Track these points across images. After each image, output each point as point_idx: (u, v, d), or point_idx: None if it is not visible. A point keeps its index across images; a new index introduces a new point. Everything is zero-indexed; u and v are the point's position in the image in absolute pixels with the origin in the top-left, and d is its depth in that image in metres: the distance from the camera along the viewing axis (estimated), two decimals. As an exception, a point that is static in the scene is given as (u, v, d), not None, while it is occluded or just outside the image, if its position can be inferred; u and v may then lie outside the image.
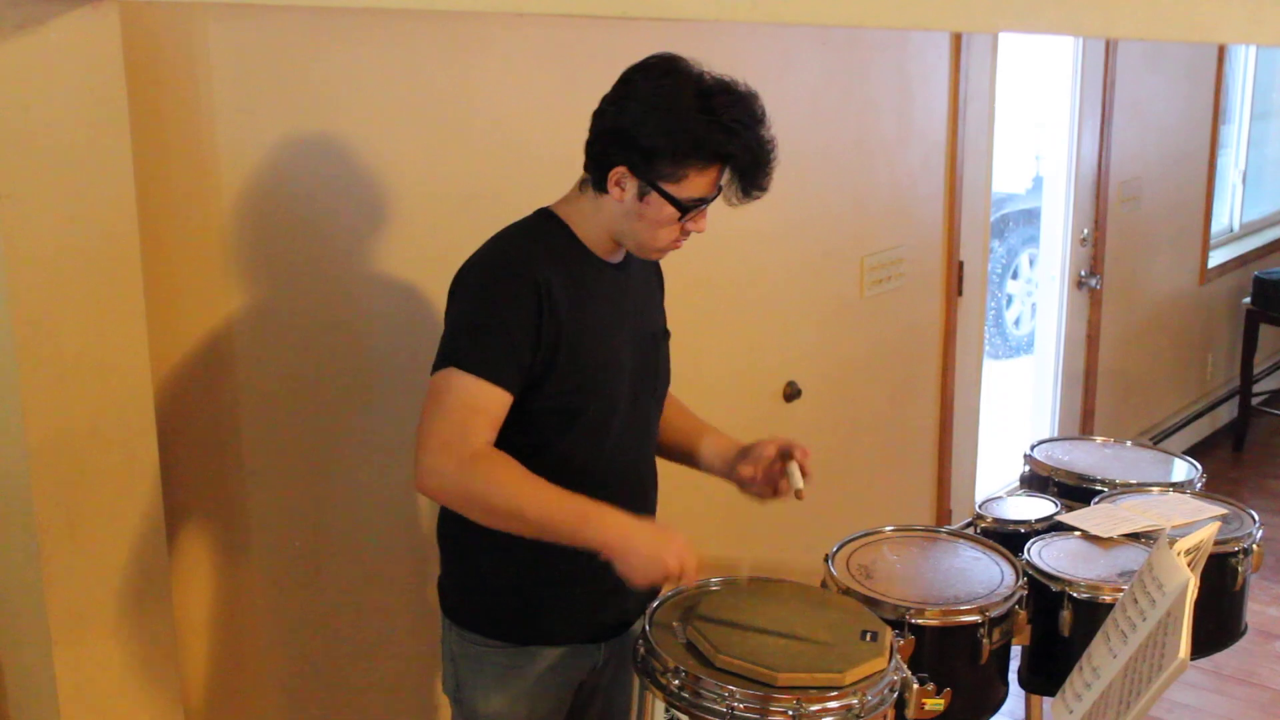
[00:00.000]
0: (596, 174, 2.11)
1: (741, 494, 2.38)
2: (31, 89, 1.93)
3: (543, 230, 2.17)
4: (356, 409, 2.61)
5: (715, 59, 2.12)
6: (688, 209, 2.08)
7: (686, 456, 2.45)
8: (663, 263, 2.36)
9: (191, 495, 2.40)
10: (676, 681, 2.01)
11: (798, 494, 2.25)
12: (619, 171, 2.07)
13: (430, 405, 2.03)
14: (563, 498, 2.02)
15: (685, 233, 2.14)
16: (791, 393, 3.68)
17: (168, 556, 2.27)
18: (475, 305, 2.09)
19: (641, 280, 2.31)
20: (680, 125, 2.02)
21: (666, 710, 2.03)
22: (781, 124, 2.12)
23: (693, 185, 2.06)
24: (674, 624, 2.15)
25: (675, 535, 2.04)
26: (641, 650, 2.11)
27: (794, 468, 2.29)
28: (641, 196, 2.07)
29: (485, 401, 2.02)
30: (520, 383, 2.06)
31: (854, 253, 3.88)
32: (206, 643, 2.47)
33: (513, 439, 2.09)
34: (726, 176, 2.09)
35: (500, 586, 2.21)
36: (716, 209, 2.16)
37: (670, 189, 2.06)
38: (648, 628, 2.13)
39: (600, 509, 2.02)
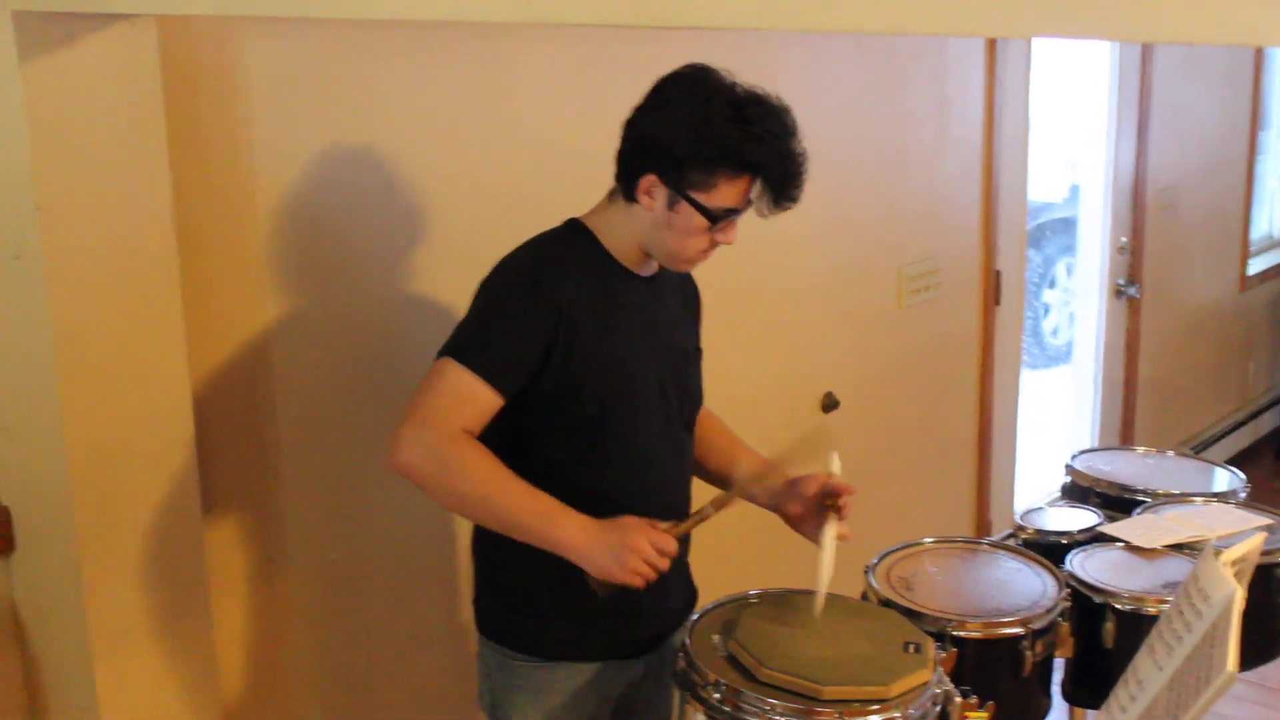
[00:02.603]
0: (627, 183, 2.11)
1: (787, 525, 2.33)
2: (70, 103, 1.95)
3: (571, 241, 2.16)
4: (394, 419, 2.60)
5: (752, 69, 2.11)
6: (718, 219, 2.07)
7: (721, 477, 2.41)
8: (698, 272, 2.35)
9: (229, 506, 2.41)
10: (717, 695, 2.00)
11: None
12: (649, 180, 2.06)
13: (422, 386, 2.05)
14: (533, 495, 2.03)
15: (714, 244, 2.12)
16: (829, 403, 3.65)
17: (205, 567, 2.27)
18: (491, 305, 2.10)
19: (674, 296, 2.30)
20: (712, 134, 2.01)
21: (706, 723, 2.01)
22: (818, 133, 2.10)
23: (723, 195, 2.05)
24: (714, 637, 2.13)
25: (635, 534, 2.02)
26: (682, 663, 2.09)
27: (826, 550, 2.18)
28: (671, 205, 2.06)
29: (475, 396, 2.03)
30: (514, 390, 2.05)
31: (891, 262, 3.86)
32: (244, 653, 2.47)
33: (542, 454, 2.09)
34: (757, 188, 2.08)
35: (535, 602, 2.20)
36: (752, 219, 2.14)
37: (700, 198, 2.05)
38: (688, 640, 2.12)
39: (565, 511, 2.03)
